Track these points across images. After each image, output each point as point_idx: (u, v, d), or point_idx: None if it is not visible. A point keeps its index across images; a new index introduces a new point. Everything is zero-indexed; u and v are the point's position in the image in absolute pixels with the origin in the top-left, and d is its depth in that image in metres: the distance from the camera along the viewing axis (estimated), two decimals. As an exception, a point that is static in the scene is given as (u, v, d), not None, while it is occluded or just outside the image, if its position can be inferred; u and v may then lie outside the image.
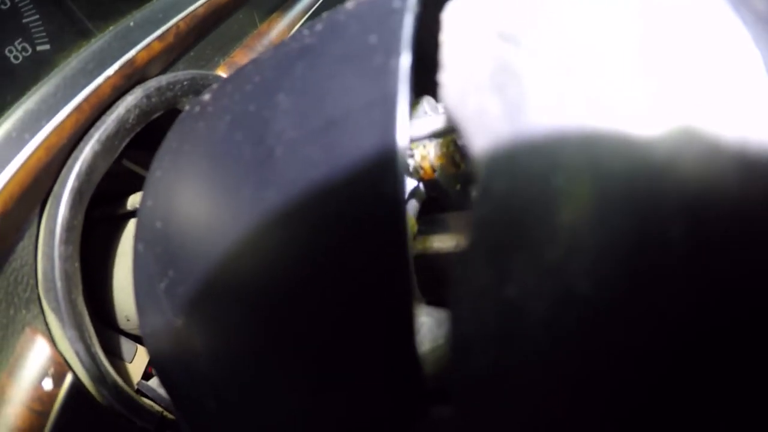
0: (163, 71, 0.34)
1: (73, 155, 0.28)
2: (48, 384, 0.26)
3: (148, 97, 0.31)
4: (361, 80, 0.14)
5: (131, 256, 0.20)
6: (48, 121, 0.27)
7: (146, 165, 0.22)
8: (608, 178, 0.11)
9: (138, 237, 0.20)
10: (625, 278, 0.11)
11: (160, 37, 0.32)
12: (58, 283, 0.26)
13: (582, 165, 0.11)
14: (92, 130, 0.29)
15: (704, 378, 0.11)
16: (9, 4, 0.29)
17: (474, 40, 0.14)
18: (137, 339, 0.34)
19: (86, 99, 0.28)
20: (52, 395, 0.26)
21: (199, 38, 0.37)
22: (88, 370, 0.27)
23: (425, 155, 0.21)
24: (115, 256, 0.33)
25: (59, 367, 0.26)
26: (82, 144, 0.28)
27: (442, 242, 0.21)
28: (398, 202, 0.12)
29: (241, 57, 0.39)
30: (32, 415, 0.25)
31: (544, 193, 0.11)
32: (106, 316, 0.33)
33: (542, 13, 0.14)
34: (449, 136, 0.20)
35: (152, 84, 0.31)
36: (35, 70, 0.29)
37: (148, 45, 0.32)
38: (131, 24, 0.32)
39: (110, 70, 0.30)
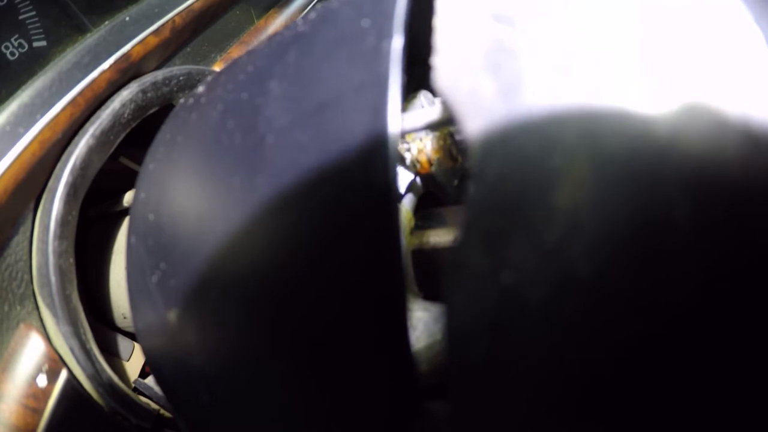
0: (159, 66, 0.34)
1: (68, 150, 0.28)
2: (42, 381, 0.26)
3: (143, 91, 0.30)
4: (352, 63, 0.14)
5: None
6: (43, 114, 0.27)
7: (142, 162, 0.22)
8: (607, 157, 0.11)
9: (131, 230, 0.20)
10: (628, 260, 0.11)
11: (155, 32, 0.32)
12: (53, 279, 0.26)
13: (580, 144, 0.11)
14: (87, 124, 0.28)
15: (714, 361, 0.11)
16: (5, 0, 0.29)
17: (468, 23, 0.14)
18: (134, 337, 0.34)
19: (81, 93, 0.28)
20: (46, 392, 0.26)
21: (195, 33, 0.36)
22: (83, 367, 0.27)
23: (422, 148, 0.21)
24: (111, 254, 0.33)
25: (54, 364, 0.26)
26: (77, 138, 0.28)
27: (439, 237, 0.21)
28: (389, 182, 0.12)
29: (238, 53, 0.39)
30: (26, 412, 0.25)
31: (540, 173, 0.11)
32: (103, 313, 0.33)
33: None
34: (446, 128, 0.20)
35: (148, 79, 0.31)
36: (31, 66, 0.29)
37: (144, 39, 0.32)
38: (127, 19, 0.32)
39: (105, 64, 0.29)
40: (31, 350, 0.26)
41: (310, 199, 0.13)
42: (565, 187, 0.11)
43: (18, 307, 0.26)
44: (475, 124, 0.12)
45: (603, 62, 0.12)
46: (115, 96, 0.30)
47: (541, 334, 0.11)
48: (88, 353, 0.27)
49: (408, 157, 0.21)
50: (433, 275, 0.20)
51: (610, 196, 0.11)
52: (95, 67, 0.29)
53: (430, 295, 0.20)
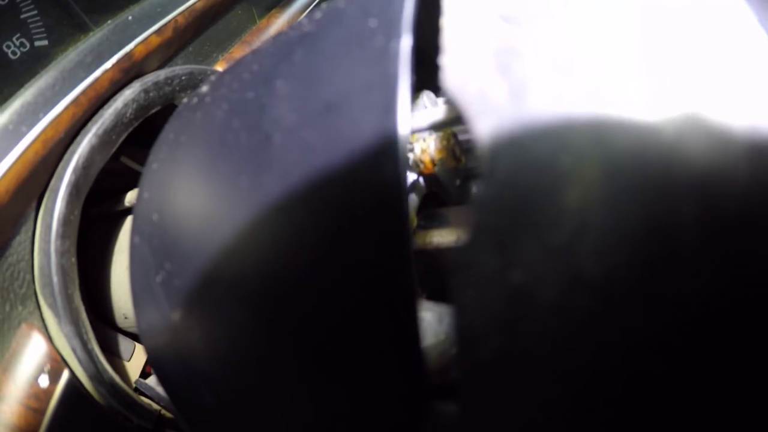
0: (162, 66, 0.34)
1: (71, 149, 0.28)
2: (44, 381, 0.26)
3: (146, 91, 0.30)
4: (360, 63, 0.14)
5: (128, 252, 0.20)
6: (45, 113, 0.26)
7: (145, 163, 0.22)
8: (616, 158, 0.11)
9: (134, 230, 0.20)
10: (636, 260, 0.11)
11: (158, 32, 0.32)
12: (55, 278, 0.26)
13: (589, 145, 0.11)
14: (90, 124, 0.28)
15: (723, 363, 0.11)
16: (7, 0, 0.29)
17: (476, 23, 0.14)
18: (135, 337, 0.34)
19: (84, 92, 0.28)
20: (48, 392, 0.26)
21: (197, 33, 0.36)
22: (84, 367, 0.27)
23: (425, 149, 0.21)
24: (113, 254, 0.33)
25: (55, 364, 0.26)
26: (79, 137, 0.28)
27: (443, 237, 0.21)
28: (399, 183, 0.12)
29: (240, 53, 0.39)
30: (28, 413, 0.25)
31: (550, 174, 0.11)
32: (104, 313, 0.33)
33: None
34: (449, 128, 0.20)
35: (150, 78, 0.31)
36: (33, 65, 0.29)
37: (146, 39, 0.31)
38: (129, 18, 0.32)
39: (108, 64, 0.29)
40: (33, 350, 0.26)
41: (318, 199, 0.13)
42: (574, 188, 0.11)
43: (20, 307, 0.26)
44: (484, 124, 0.12)
45: (611, 64, 0.12)
46: (117, 95, 0.30)
47: (550, 334, 0.11)
48: (89, 353, 0.27)
49: (411, 157, 0.21)
50: (436, 275, 0.20)
51: (619, 197, 0.11)
52: (98, 67, 0.29)
53: (433, 295, 0.20)
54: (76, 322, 0.27)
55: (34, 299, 0.27)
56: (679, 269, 0.11)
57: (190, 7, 0.35)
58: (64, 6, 0.31)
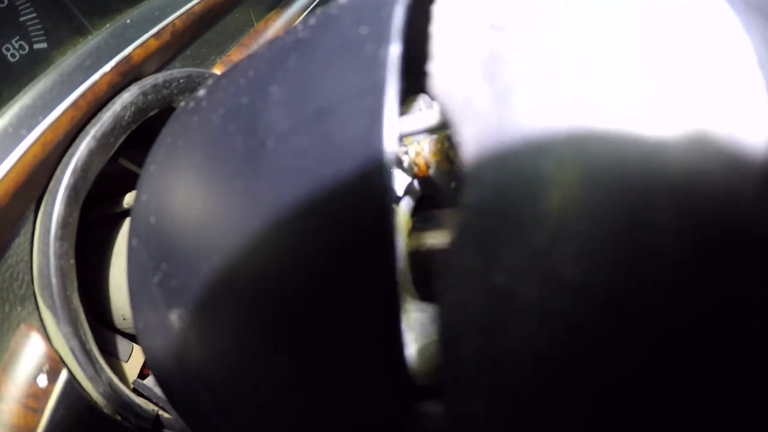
0: (160, 69, 0.34)
1: (69, 152, 0.28)
2: (43, 381, 0.26)
3: (144, 94, 0.31)
4: (351, 70, 0.14)
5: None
6: (44, 117, 0.27)
7: (143, 165, 0.22)
8: (596, 163, 0.11)
9: (132, 232, 0.20)
10: (613, 263, 0.11)
11: (156, 35, 0.32)
12: (54, 280, 0.26)
13: (569, 150, 0.11)
14: (88, 126, 0.29)
15: (700, 364, 0.11)
16: (6, 2, 0.29)
17: (464, 30, 0.14)
18: (133, 338, 0.34)
19: (82, 96, 0.28)
20: (46, 392, 0.26)
21: (195, 36, 0.37)
22: (83, 368, 0.27)
23: (419, 151, 0.21)
24: (111, 255, 0.33)
25: (54, 364, 0.26)
26: (78, 140, 0.28)
27: (436, 238, 0.21)
28: (385, 187, 0.12)
29: (238, 56, 0.39)
30: (27, 412, 0.25)
31: (532, 178, 0.11)
32: (103, 315, 0.33)
33: (532, 3, 0.14)
34: (443, 131, 0.20)
35: (148, 81, 0.31)
36: (32, 68, 0.29)
37: (145, 42, 0.32)
38: (128, 21, 0.32)
39: (106, 67, 0.30)
40: (32, 350, 0.26)
41: (309, 203, 0.14)
42: (554, 192, 0.11)
43: (19, 308, 0.26)
44: (469, 130, 0.12)
45: (593, 74, 0.12)
46: (115, 98, 0.30)
47: (531, 333, 0.11)
48: (88, 354, 0.27)
49: (406, 159, 0.21)
50: (431, 276, 0.20)
51: (598, 200, 0.11)
52: (96, 70, 0.29)
53: (427, 295, 0.20)
54: (74, 323, 0.27)
55: (33, 300, 0.27)
56: (654, 271, 0.11)
57: (188, 10, 0.35)
58: (63, 9, 0.31)
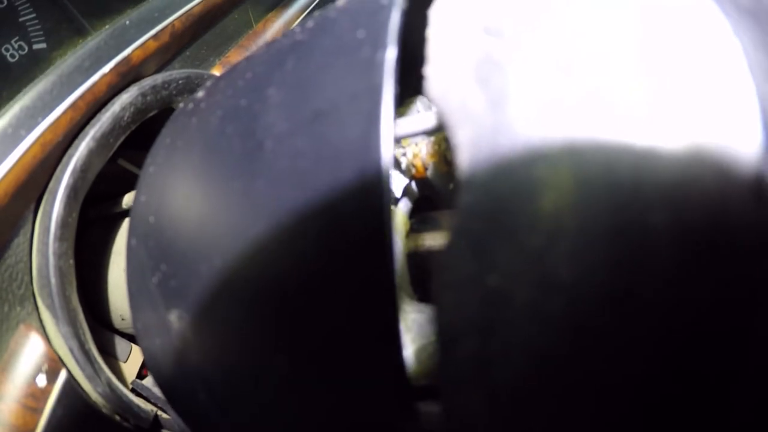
0: (159, 70, 0.34)
1: (69, 152, 0.28)
2: (42, 380, 0.26)
3: (143, 95, 0.31)
4: (348, 73, 0.14)
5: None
6: (44, 117, 0.27)
7: (142, 166, 0.22)
8: (588, 166, 0.11)
9: (131, 232, 0.20)
10: (606, 264, 0.11)
11: (155, 36, 0.33)
12: (53, 280, 0.26)
13: (562, 153, 0.12)
14: (87, 127, 0.29)
15: (700, 364, 0.11)
16: (6, 3, 0.29)
17: (459, 34, 0.14)
18: (132, 339, 0.34)
19: (82, 96, 0.28)
20: (45, 392, 0.26)
21: (194, 38, 0.37)
22: (82, 368, 0.27)
23: (417, 153, 0.21)
24: (110, 255, 0.33)
25: (53, 364, 0.26)
26: (77, 141, 0.28)
27: (434, 240, 0.21)
28: (381, 188, 0.12)
29: (237, 57, 0.40)
30: (26, 412, 0.25)
31: (526, 182, 0.12)
32: (101, 315, 0.33)
33: (526, 8, 0.14)
34: (441, 133, 0.20)
35: (148, 82, 0.32)
36: (31, 68, 0.29)
37: (144, 43, 0.32)
38: (127, 22, 0.32)
39: (106, 68, 0.30)
40: (31, 350, 0.26)
41: (306, 204, 0.14)
42: (548, 195, 0.11)
43: (18, 308, 0.27)
44: (464, 133, 0.12)
45: (585, 78, 0.12)
46: (115, 99, 0.30)
47: (525, 334, 0.12)
48: (87, 354, 0.27)
49: (404, 161, 0.21)
50: (428, 277, 0.20)
51: (590, 203, 0.11)
52: (96, 71, 0.29)
53: (425, 296, 0.20)
54: (73, 323, 0.27)
55: (32, 300, 0.27)
56: (647, 272, 0.11)
57: (187, 12, 0.35)
58: (62, 9, 0.31)
